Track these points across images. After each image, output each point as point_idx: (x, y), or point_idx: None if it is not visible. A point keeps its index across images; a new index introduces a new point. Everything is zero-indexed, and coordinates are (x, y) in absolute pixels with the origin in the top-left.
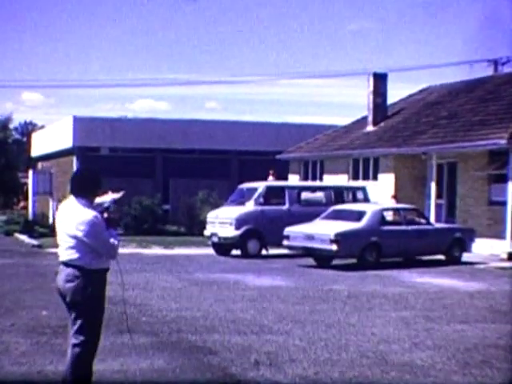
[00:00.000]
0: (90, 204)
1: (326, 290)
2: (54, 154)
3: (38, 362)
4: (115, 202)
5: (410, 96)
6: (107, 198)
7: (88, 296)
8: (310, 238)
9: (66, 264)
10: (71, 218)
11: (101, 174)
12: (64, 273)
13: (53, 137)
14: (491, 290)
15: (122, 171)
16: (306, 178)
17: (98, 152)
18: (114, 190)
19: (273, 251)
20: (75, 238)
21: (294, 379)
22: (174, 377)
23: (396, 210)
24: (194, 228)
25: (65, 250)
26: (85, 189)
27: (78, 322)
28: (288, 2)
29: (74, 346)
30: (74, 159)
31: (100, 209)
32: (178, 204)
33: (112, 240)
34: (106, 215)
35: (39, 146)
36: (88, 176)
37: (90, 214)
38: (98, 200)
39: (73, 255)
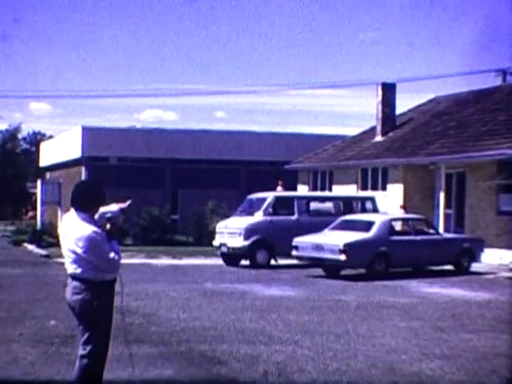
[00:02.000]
0: (91, 218)
1: (334, 300)
2: (63, 164)
3: (46, 372)
4: (122, 211)
5: (419, 106)
6: (114, 207)
7: (96, 308)
8: (319, 248)
9: (73, 277)
10: (71, 232)
11: (103, 186)
12: (71, 285)
13: (61, 147)
14: (500, 300)
15: (130, 181)
16: (314, 189)
17: (106, 162)
18: (120, 201)
19: (282, 261)
20: (75, 253)
21: None
22: None
23: (405, 220)
24: (203, 238)
25: (69, 264)
26: (84, 202)
27: (87, 334)
28: (297, 11)
29: (82, 356)
30: (83, 169)
31: (101, 222)
32: (186, 214)
33: (112, 254)
34: (108, 226)
35: (48, 155)
36: (88, 189)
37: (88, 230)
38: (103, 209)
39: (77, 269)
